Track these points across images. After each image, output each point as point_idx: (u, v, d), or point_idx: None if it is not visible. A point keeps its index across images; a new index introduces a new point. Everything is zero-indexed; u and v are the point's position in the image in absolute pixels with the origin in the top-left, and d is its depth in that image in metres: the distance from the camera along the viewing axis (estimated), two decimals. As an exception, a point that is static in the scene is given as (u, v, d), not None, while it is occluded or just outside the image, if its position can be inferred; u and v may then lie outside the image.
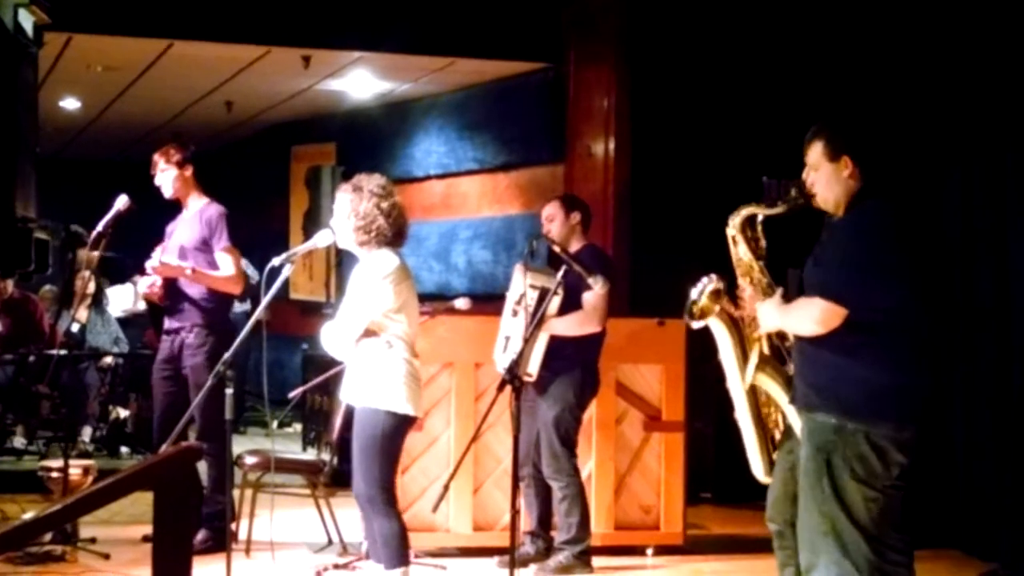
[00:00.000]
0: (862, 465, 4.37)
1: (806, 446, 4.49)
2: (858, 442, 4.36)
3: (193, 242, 7.20)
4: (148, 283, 7.19)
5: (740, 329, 4.93)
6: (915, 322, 4.45)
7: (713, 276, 4.92)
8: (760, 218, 4.82)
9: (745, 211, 4.84)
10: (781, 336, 4.82)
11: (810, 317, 4.40)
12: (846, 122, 4.63)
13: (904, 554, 4.55)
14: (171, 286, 7.16)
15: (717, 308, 4.87)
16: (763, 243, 4.88)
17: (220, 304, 7.21)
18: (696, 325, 4.94)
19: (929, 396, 4.57)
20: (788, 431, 4.92)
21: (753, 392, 4.95)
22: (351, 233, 5.53)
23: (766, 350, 4.83)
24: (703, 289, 4.90)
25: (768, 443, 5.03)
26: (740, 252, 4.88)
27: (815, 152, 4.55)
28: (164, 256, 7.16)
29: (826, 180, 4.53)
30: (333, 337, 5.50)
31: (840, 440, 4.37)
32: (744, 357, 4.90)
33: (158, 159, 7.30)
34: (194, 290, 7.13)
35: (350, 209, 5.52)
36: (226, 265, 7.17)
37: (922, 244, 4.52)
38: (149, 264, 7.11)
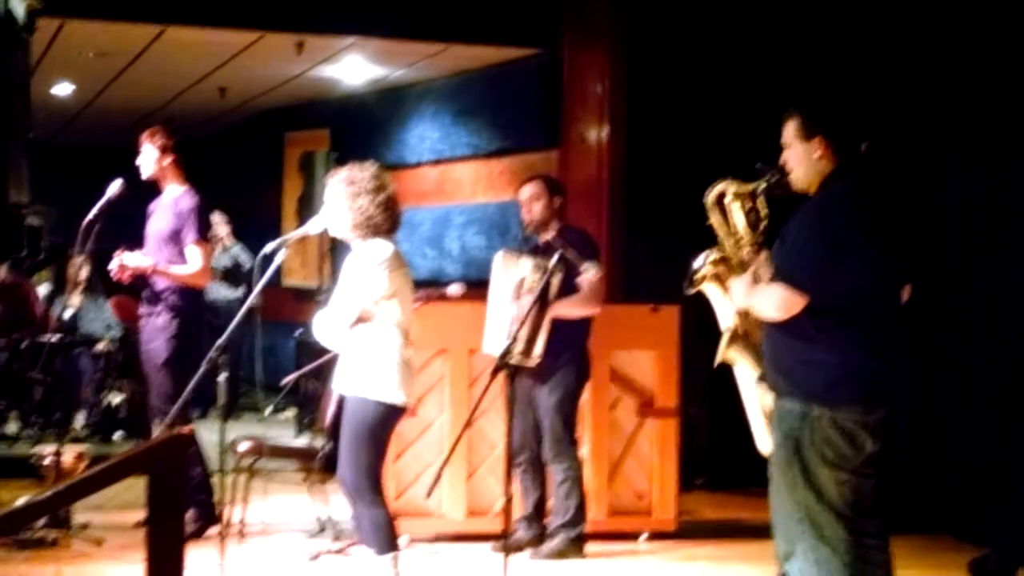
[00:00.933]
0: (831, 449, 4.37)
1: (775, 433, 4.49)
2: (824, 426, 4.36)
3: (165, 231, 7.20)
4: (114, 275, 7.18)
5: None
6: (877, 305, 4.44)
7: (711, 249, 4.90)
8: (753, 191, 4.79)
9: (719, 187, 4.83)
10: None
11: (770, 304, 4.40)
12: (821, 102, 4.62)
13: (878, 537, 4.55)
14: (140, 274, 7.19)
15: (712, 272, 4.84)
16: (754, 216, 4.83)
17: (187, 293, 7.21)
18: (690, 291, 4.91)
19: (896, 378, 4.56)
20: None
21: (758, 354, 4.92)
22: (346, 225, 5.52)
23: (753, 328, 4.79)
24: (706, 259, 4.88)
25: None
26: (736, 220, 4.83)
27: (789, 130, 4.54)
28: (128, 254, 7.13)
29: (798, 159, 4.53)
30: (325, 325, 5.49)
31: (807, 425, 4.37)
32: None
33: (143, 138, 7.30)
34: (162, 279, 7.14)
35: (344, 202, 5.50)
36: (194, 259, 7.16)
37: (888, 225, 4.49)
38: (112, 265, 7.11)
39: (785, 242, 4.44)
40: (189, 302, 7.21)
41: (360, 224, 5.49)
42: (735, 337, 4.76)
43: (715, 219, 4.82)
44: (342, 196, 5.51)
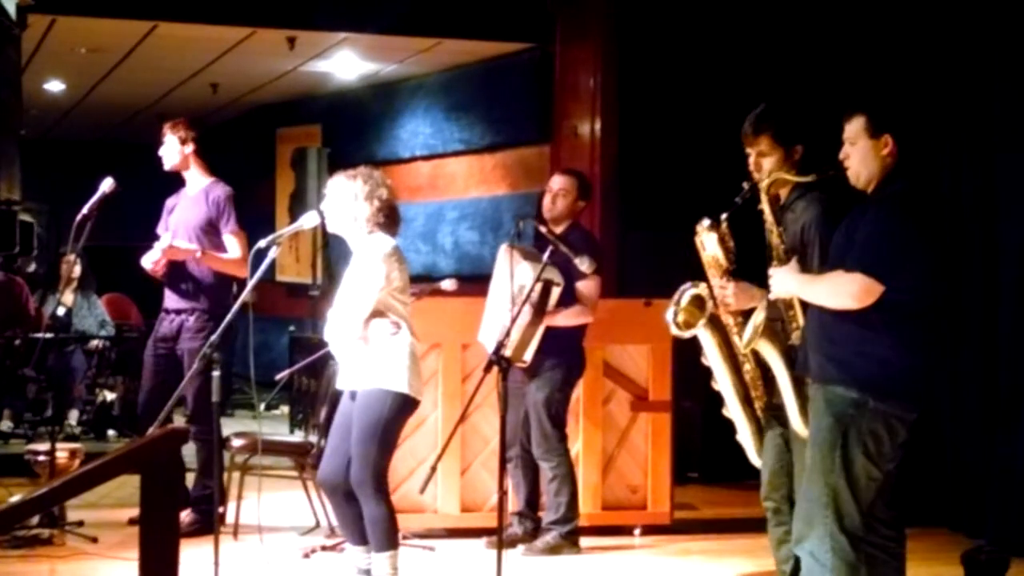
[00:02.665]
0: (875, 444, 4.44)
1: (822, 417, 4.51)
2: (875, 420, 4.43)
3: (198, 222, 7.15)
4: (153, 259, 7.09)
5: (724, 331, 4.96)
6: (935, 304, 4.52)
7: (691, 284, 4.95)
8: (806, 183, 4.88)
9: (775, 175, 4.87)
10: (786, 305, 4.83)
11: (847, 292, 4.40)
12: (888, 100, 4.66)
13: (894, 528, 4.63)
14: (175, 266, 7.12)
15: (705, 317, 4.91)
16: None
17: (222, 289, 7.17)
18: (683, 335, 4.99)
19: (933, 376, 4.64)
20: (773, 412, 4.95)
21: (741, 384, 4.99)
22: (365, 216, 5.51)
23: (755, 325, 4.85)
24: (679, 299, 4.95)
25: (761, 432, 5.07)
26: (712, 251, 4.91)
27: (855, 127, 4.56)
28: (174, 239, 7.10)
29: (863, 156, 4.55)
30: (340, 322, 5.47)
31: (859, 415, 4.43)
32: (730, 357, 4.95)
33: (165, 129, 7.29)
34: (199, 273, 7.09)
35: (366, 192, 5.51)
36: (233, 248, 7.14)
37: (942, 226, 4.57)
38: (159, 245, 7.04)
39: (855, 235, 4.47)
40: (224, 299, 7.10)
41: (382, 211, 5.52)
42: (765, 328, 4.79)
43: (767, 206, 4.86)
44: (360, 188, 5.52)
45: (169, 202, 7.39)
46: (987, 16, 7.36)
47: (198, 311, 7.07)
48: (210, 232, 7.15)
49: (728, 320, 4.95)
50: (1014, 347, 7.18)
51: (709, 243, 4.96)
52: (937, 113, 7.71)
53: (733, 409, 5.07)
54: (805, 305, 4.68)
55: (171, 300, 7.19)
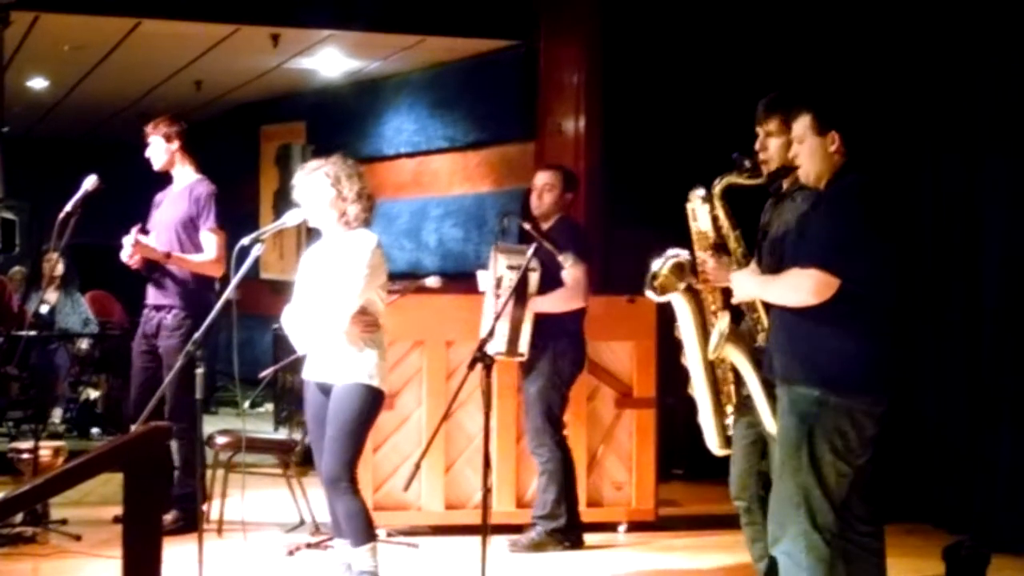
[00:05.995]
0: (842, 440, 4.43)
1: (787, 417, 4.51)
2: (840, 416, 4.41)
3: (179, 218, 7.13)
4: (127, 254, 7.06)
5: (701, 304, 4.97)
6: (891, 295, 4.50)
7: (677, 250, 4.95)
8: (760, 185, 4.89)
9: (726, 180, 4.89)
10: (749, 307, 4.85)
11: (804, 288, 4.40)
12: (834, 97, 4.66)
13: (871, 524, 4.63)
14: (154, 263, 7.06)
15: (682, 285, 4.91)
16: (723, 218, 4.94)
17: (202, 287, 7.10)
18: (657, 299, 4.99)
19: (897, 368, 4.62)
20: (744, 405, 4.96)
21: (711, 366, 4.99)
22: (348, 209, 5.51)
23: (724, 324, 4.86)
24: (665, 262, 4.95)
25: (722, 416, 5.08)
26: (703, 224, 4.92)
27: (802, 125, 4.56)
28: (143, 236, 7.06)
29: (810, 153, 4.55)
30: (324, 315, 5.45)
31: (823, 413, 4.42)
32: (704, 332, 4.96)
33: (148, 130, 7.24)
34: (177, 271, 7.05)
35: (346, 186, 5.51)
36: (210, 246, 7.09)
37: (897, 218, 4.57)
38: (127, 240, 7.00)
39: (807, 231, 4.48)
40: (203, 297, 7.01)
41: (361, 205, 5.53)
42: (731, 333, 4.79)
43: (722, 211, 4.88)
44: (338, 181, 5.51)
45: (157, 197, 7.36)
46: (973, 15, 7.38)
47: (175, 308, 7.03)
48: (190, 229, 7.11)
49: (707, 296, 4.96)
50: (998, 344, 7.21)
51: (701, 214, 4.96)
52: (920, 112, 7.74)
53: (698, 387, 5.06)
54: (768, 307, 4.70)
55: (151, 296, 7.16)
